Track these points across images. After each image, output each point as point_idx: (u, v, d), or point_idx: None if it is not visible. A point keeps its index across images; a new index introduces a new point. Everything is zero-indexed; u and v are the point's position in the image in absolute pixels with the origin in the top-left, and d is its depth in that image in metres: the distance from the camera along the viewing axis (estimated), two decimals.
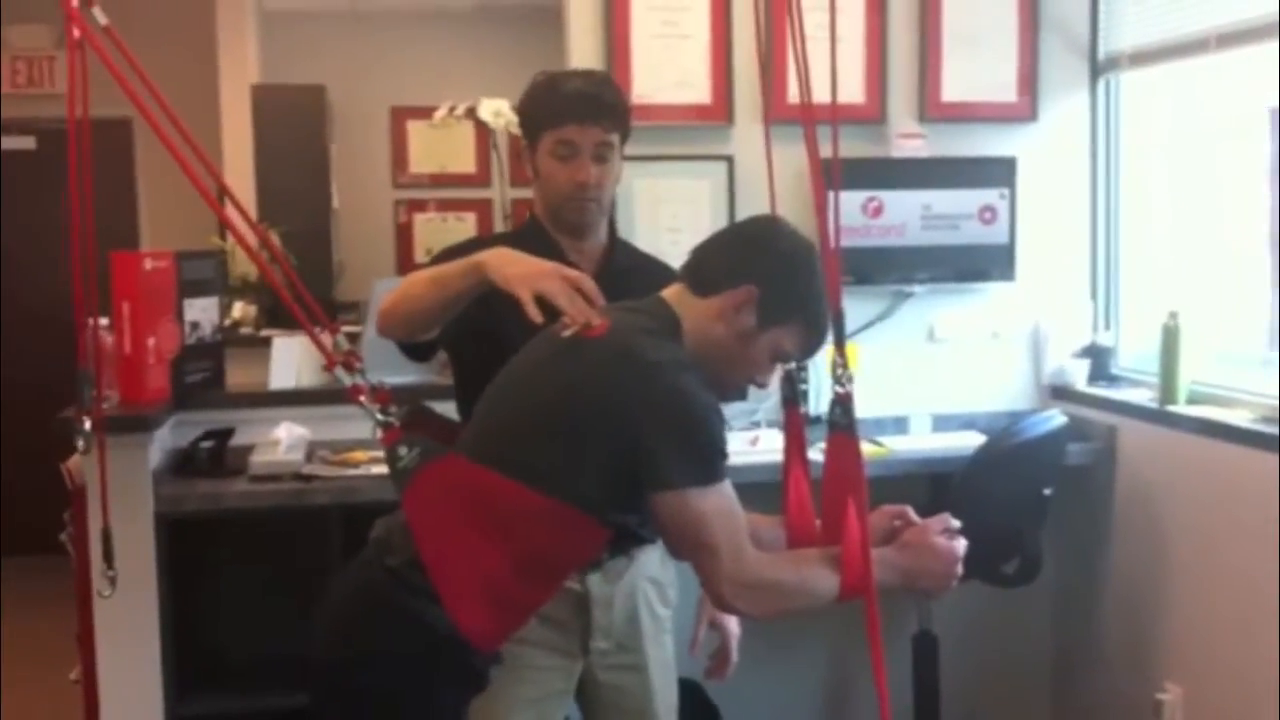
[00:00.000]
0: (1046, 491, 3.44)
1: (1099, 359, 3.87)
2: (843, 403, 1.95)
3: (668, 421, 1.90)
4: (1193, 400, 3.42)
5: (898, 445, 3.68)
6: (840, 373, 1.95)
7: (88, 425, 1.95)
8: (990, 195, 3.83)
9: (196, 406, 3.51)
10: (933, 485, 3.61)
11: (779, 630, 3.33)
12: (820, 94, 3.91)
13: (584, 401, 1.94)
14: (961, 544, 2.10)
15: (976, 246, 3.84)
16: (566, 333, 1.99)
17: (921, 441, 3.75)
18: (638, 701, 2.58)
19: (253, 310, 6.00)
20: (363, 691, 1.99)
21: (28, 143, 7.02)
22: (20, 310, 6.82)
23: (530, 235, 2.56)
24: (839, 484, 1.96)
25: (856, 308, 3.84)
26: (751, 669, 3.34)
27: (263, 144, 6.64)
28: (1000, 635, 3.89)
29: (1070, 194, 3.94)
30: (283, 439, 3.38)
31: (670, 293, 2.10)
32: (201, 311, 3.56)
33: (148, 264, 3.34)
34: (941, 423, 3.86)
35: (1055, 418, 3.47)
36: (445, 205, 7.72)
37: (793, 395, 2.25)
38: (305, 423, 3.50)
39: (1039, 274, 3.91)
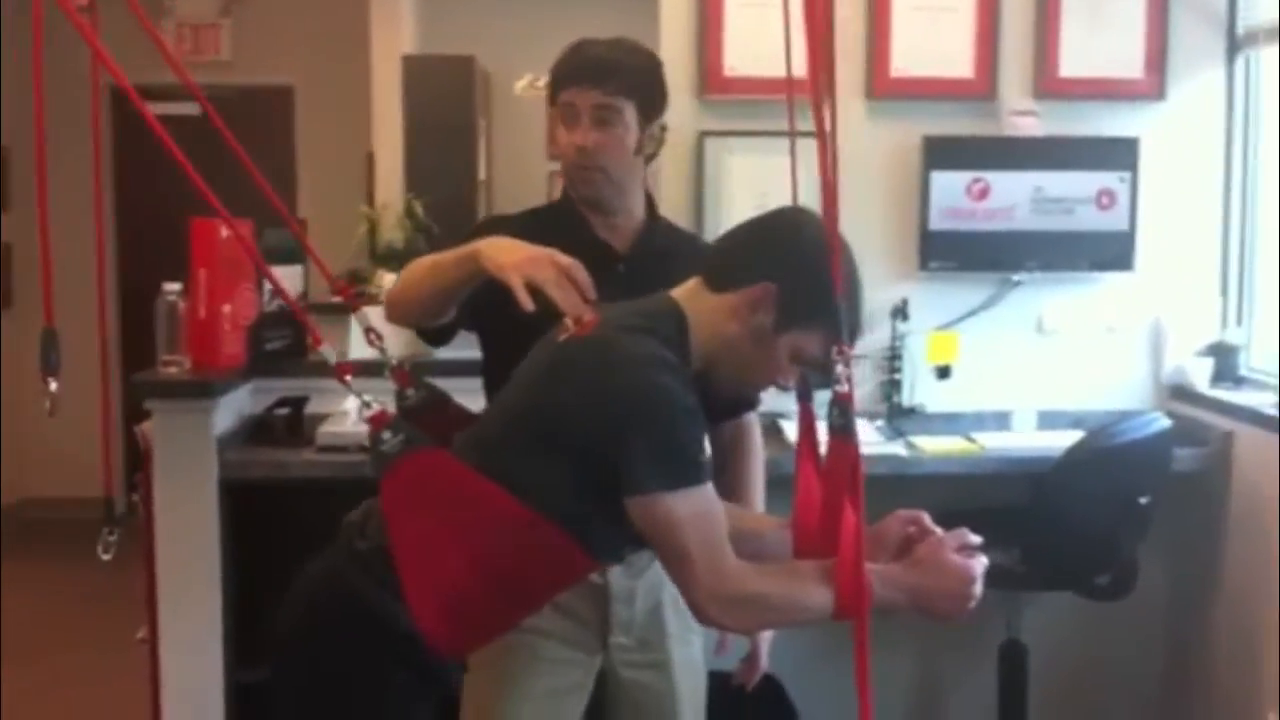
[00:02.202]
0: (1143, 500, 3.17)
1: (1225, 358, 3.58)
2: (841, 403, 1.80)
3: (636, 420, 1.79)
4: None
5: (993, 442, 3.47)
6: (841, 371, 1.78)
7: (53, 386, 1.94)
8: (1109, 178, 3.58)
9: (275, 374, 3.52)
10: (1034, 487, 3.38)
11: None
12: (923, 68, 3.73)
13: (558, 402, 1.85)
14: (980, 563, 1.93)
15: (1092, 233, 3.59)
16: (562, 336, 1.91)
17: (1020, 439, 3.53)
18: (659, 701, 2.47)
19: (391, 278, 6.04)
20: (317, 676, 1.94)
21: (191, 109, 7.21)
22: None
23: (559, 212, 2.48)
24: (838, 491, 1.82)
25: (958, 295, 3.65)
26: (834, 672, 3.20)
27: (412, 113, 6.69)
28: (1100, 649, 3.64)
29: (1200, 179, 3.66)
30: (352, 410, 3.36)
31: (683, 289, 1.99)
32: (283, 279, 3.56)
33: (225, 231, 3.34)
34: (1048, 420, 3.62)
35: (1158, 420, 3.21)
36: None
37: (806, 391, 2.11)
38: (382, 394, 3.47)
39: (1161, 264, 3.65)
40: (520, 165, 7.58)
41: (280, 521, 3.51)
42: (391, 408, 2.02)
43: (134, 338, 5.77)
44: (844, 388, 1.76)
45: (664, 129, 2.46)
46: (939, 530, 1.97)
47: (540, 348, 1.97)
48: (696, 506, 1.82)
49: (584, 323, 1.89)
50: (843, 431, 1.79)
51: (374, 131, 6.78)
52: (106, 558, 2.19)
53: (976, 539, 1.93)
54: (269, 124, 7.21)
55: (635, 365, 1.81)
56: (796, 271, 1.89)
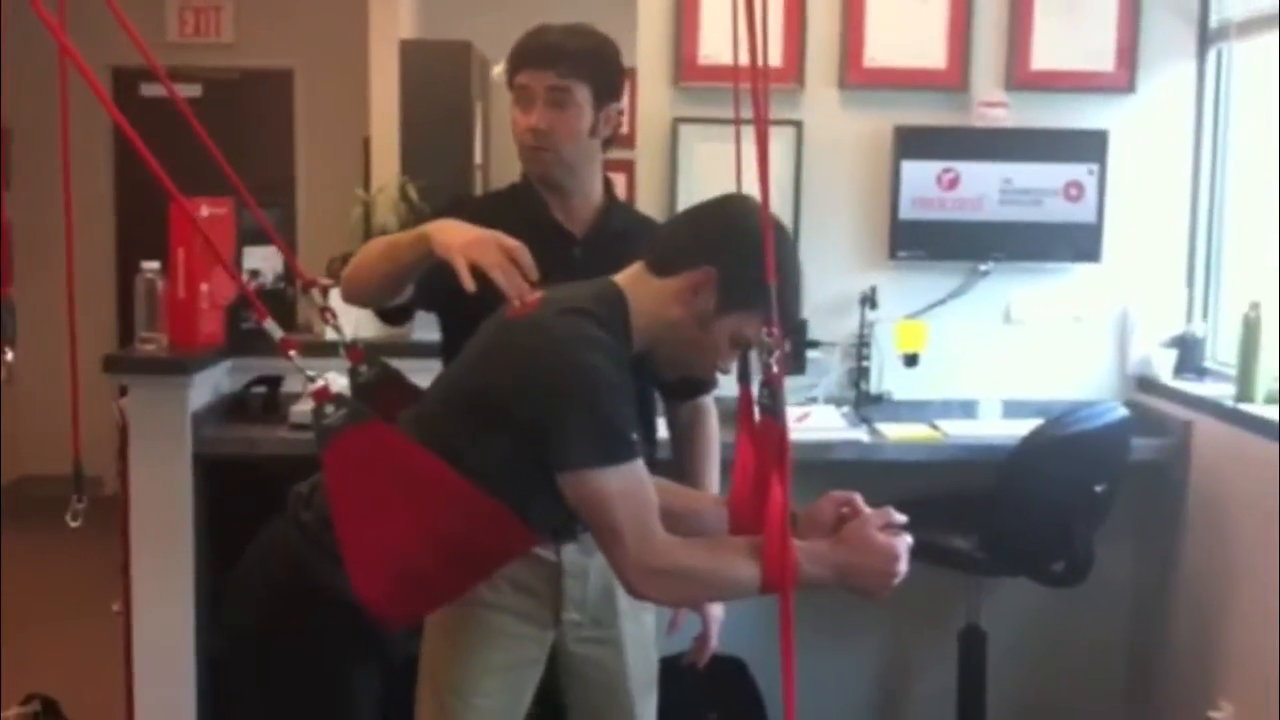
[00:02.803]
0: (1099, 488, 3.21)
1: (1188, 350, 3.62)
2: (770, 384, 1.86)
3: (567, 398, 1.85)
4: (1273, 400, 3.16)
5: (956, 430, 3.52)
6: (769, 354, 1.84)
7: (9, 356, 1.99)
8: (1078, 170, 3.62)
9: (252, 352, 3.57)
10: (999, 475, 3.42)
11: (830, 617, 3.22)
12: (896, 59, 3.76)
13: (494, 381, 1.91)
14: (904, 541, 1.97)
15: (1060, 224, 3.64)
16: (506, 317, 1.96)
17: (983, 428, 3.57)
18: (610, 677, 2.51)
19: None
20: (266, 645, 2.00)
21: (193, 90, 7.26)
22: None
23: (517, 194, 2.53)
24: (768, 469, 1.88)
25: (927, 284, 3.69)
26: (801, 655, 3.25)
27: (409, 98, 6.73)
28: (1059, 635, 3.69)
29: (1168, 172, 3.69)
30: None
31: (627, 273, 2.04)
32: (263, 260, 3.63)
33: (204, 211, 3.39)
34: (1014, 409, 3.66)
35: (1114, 409, 3.25)
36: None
37: (745, 373, 2.16)
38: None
39: (1128, 256, 3.68)
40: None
41: (255, 497, 3.57)
42: (339, 384, 2.06)
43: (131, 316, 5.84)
44: (773, 369, 1.83)
45: (620, 112, 2.50)
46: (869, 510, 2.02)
47: (484, 328, 2.03)
48: (626, 482, 1.87)
49: (526, 304, 1.95)
50: (770, 412, 1.85)
51: (371, 115, 6.82)
52: (75, 524, 2.25)
53: (901, 517, 1.97)
54: (269, 106, 7.27)
55: (567, 345, 1.86)
56: (736, 256, 1.94)
